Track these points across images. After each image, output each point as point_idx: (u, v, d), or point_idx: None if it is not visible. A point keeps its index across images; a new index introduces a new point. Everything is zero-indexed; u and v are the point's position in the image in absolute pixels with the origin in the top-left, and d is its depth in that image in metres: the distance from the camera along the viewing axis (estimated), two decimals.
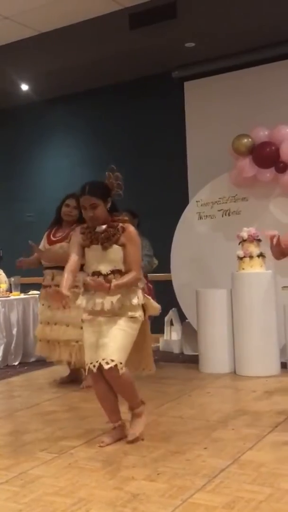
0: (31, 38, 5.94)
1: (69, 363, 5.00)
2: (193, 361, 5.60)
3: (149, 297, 3.44)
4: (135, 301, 3.28)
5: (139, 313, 3.31)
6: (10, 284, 6.45)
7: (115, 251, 3.28)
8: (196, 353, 5.61)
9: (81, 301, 3.35)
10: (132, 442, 3.29)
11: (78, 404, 4.33)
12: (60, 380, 5.10)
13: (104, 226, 3.32)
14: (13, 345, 6.13)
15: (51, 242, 4.86)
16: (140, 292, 3.33)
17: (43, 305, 4.98)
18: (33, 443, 3.42)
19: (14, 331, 6.14)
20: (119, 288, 3.23)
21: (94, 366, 3.22)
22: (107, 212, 3.34)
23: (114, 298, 3.23)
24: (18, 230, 7.94)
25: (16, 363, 6.10)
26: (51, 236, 4.92)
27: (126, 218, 3.41)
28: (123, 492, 2.63)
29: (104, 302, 3.24)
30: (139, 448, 3.23)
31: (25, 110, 7.79)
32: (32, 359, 6.25)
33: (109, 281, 3.22)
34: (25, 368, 5.93)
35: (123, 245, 3.30)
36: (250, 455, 3.06)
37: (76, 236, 3.40)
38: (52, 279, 4.82)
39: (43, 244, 4.93)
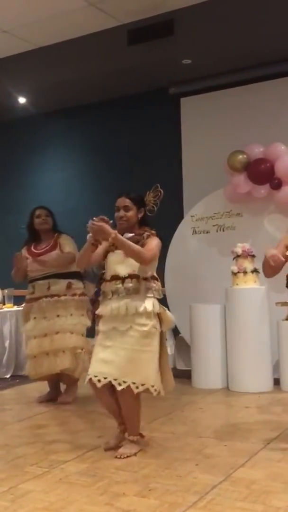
0: (29, 52, 5.98)
1: (50, 381, 4.93)
2: (186, 376, 5.58)
3: (165, 308, 3.45)
4: (149, 307, 3.30)
5: (152, 323, 3.31)
6: (3, 296, 6.43)
7: None
8: (189, 368, 5.59)
9: (100, 309, 3.43)
10: (119, 458, 3.30)
11: (69, 419, 4.31)
12: (39, 399, 4.91)
13: (130, 235, 3.42)
14: (5, 357, 6.10)
15: (36, 255, 4.79)
16: (155, 301, 3.36)
17: (35, 318, 4.80)
18: (23, 457, 3.39)
19: (7, 344, 6.12)
20: (119, 242, 3.26)
21: (99, 381, 3.28)
22: (137, 221, 3.46)
23: (129, 302, 3.29)
24: (11, 242, 7.90)
25: (7, 376, 6.07)
26: (33, 249, 4.83)
27: (154, 231, 3.48)
28: (114, 508, 2.61)
29: (120, 306, 3.31)
30: (130, 463, 3.22)
31: (22, 123, 7.81)
32: (25, 372, 6.22)
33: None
34: (17, 381, 5.90)
35: None
36: (242, 472, 3.05)
37: (104, 243, 3.48)
38: (48, 288, 4.77)
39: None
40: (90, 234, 3.36)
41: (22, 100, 7.24)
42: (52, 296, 4.76)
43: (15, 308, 6.37)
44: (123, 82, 6.69)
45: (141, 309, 3.30)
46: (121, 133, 7.24)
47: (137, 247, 3.31)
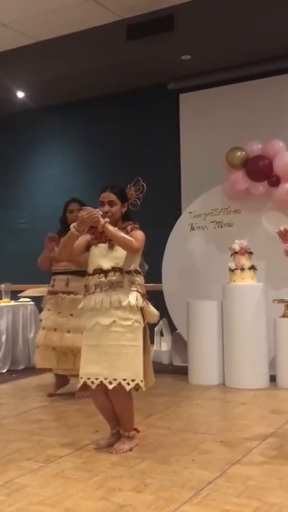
0: (28, 46, 5.95)
1: (58, 375, 4.90)
2: (183, 372, 5.59)
3: (148, 302, 3.43)
4: (132, 301, 3.28)
5: (135, 318, 3.30)
6: (0, 291, 6.41)
7: (120, 249, 3.33)
8: (186, 364, 5.60)
9: (83, 304, 3.42)
10: (115, 453, 3.30)
11: (66, 413, 4.31)
12: (50, 394, 4.89)
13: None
14: (1, 352, 6.09)
15: None
16: (138, 294, 3.34)
17: (49, 310, 4.79)
18: (19, 452, 3.39)
19: (3, 338, 6.11)
20: (108, 231, 3.28)
21: (92, 382, 3.28)
22: (121, 215, 3.44)
23: (113, 295, 3.28)
24: (10, 237, 7.92)
25: (4, 371, 6.06)
26: None
27: (137, 225, 3.45)
28: (110, 503, 2.62)
29: (103, 299, 3.29)
30: (126, 459, 3.22)
31: (20, 117, 7.80)
32: (21, 367, 6.22)
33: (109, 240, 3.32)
34: (13, 375, 5.90)
35: None
36: (237, 468, 3.06)
37: (85, 236, 3.46)
38: (67, 285, 4.70)
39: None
40: (74, 224, 3.35)
41: (20, 94, 7.23)
42: (69, 293, 4.70)
43: (12, 302, 6.36)
44: (122, 77, 6.68)
45: (125, 302, 3.28)
46: (120, 129, 7.23)
47: (124, 236, 3.31)
